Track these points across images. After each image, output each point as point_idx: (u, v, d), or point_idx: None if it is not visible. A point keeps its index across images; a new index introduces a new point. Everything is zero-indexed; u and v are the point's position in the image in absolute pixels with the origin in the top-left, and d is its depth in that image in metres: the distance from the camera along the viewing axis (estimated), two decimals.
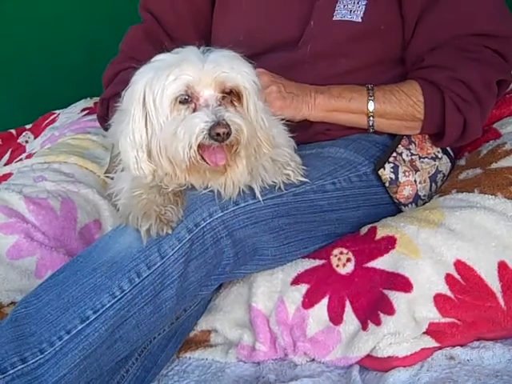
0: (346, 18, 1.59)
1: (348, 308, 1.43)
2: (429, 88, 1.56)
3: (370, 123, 1.59)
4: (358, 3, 1.59)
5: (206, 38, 1.85)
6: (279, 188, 1.43)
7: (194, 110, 1.26)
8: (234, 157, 1.30)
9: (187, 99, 1.27)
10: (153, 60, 1.33)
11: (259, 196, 1.39)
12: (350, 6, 1.60)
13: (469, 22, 1.56)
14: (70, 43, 3.11)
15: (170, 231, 1.29)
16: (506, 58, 1.58)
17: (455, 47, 1.56)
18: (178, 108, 1.27)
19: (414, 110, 1.57)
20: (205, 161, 1.27)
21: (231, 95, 1.30)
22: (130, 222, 1.31)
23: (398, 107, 1.57)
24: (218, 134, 1.22)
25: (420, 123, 1.59)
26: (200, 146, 1.25)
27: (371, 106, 1.57)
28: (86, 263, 1.30)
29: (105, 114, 1.75)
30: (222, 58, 1.29)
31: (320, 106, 1.56)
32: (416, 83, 1.58)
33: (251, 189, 1.39)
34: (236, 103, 1.30)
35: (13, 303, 1.58)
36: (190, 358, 1.53)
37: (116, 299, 1.25)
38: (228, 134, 1.23)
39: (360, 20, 1.58)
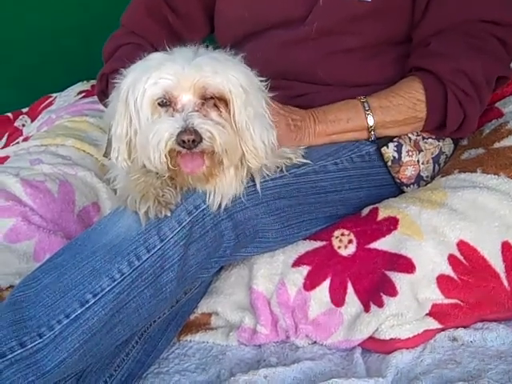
0: None
1: (350, 290, 1.42)
2: (432, 83, 1.51)
3: (372, 137, 1.55)
4: None
5: (210, 12, 1.82)
6: (280, 170, 1.41)
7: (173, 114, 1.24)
8: (218, 166, 1.27)
9: (166, 102, 1.25)
10: (145, 58, 1.31)
11: (259, 189, 1.37)
12: None
13: (480, 7, 1.52)
14: (67, 25, 3.06)
15: (168, 213, 1.27)
16: (508, 47, 1.54)
17: (463, 32, 1.51)
18: (159, 110, 1.26)
19: (415, 111, 1.53)
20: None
21: (215, 100, 1.26)
22: (128, 204, 1.29)
23: (398, 114, 1.53)
24: (184, 141, 1.19)
25: (422, 123, 1.55)
26: (178, 152, 1.23)
27: (370, 121, 1.52)
28: (85, 246, 1.28)
29: (104, 90, 1.73)
30: (207, 61, 1.25)
31: (320, 133, 1.51)
32: (416, 80, 1.53)
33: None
34: (222, 109, 1.27)
35: (11, 287, 1.56)
36: (190, 341, 1.52)
37: (116, 283, 1.23)
38: (194, 142, 1.19)
39: None
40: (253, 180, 1.38)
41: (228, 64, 1.28)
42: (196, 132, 1.20)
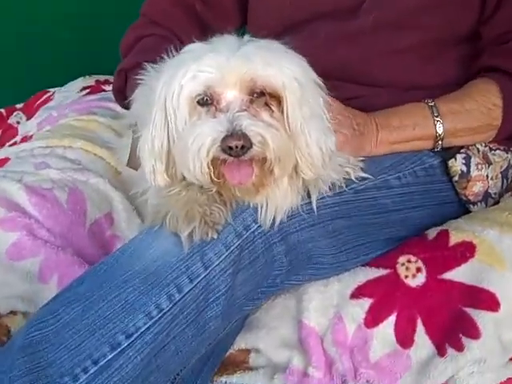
0: None
1: (420, 328, 1.21)
2: (510, 86, 1.35)
3: (438, 147, 1.37)
4: None
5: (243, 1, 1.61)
6: (339, 185, 1.21)
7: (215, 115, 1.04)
8: (269, 176, 1.07)
9: (207, 100, 1.05)
10: (181, 51, 1.12)
11: (315, 207, 1.17)
12: None
13: None
14: (64, 14, 2.85)
15: (215, 235, 1.07)
16: None
17: None
18: (199, 111, 1.06)
19: (490, 118, 1.36)
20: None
21: (267, 97, 1.06)
22: (167, 223, 1.08)
23: (471, 120, 1.35)
24: (231, 148, 0.99)
25: (496, 131, 1.38)
26: (222, 160, 1.03)
27: (440, 129, 1.34)
28: (114, 273, 1.06)
29: (122, 87, 1.53)
30: (255, 50, 1.05)
31: (383, 141, 1.32)
32: (492, 83, 1.36)
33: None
34: (274, 107, 1.06)
35: (12, 312, 1.36)
36: (226, 382, 1.29)
37: (153, 320, 1.02)
38: (243, 148, 1.00)
39: None
40: (308, 197, 1.18)
41: (281, 54, 1.08)
42: (245, 136, 0.99)
